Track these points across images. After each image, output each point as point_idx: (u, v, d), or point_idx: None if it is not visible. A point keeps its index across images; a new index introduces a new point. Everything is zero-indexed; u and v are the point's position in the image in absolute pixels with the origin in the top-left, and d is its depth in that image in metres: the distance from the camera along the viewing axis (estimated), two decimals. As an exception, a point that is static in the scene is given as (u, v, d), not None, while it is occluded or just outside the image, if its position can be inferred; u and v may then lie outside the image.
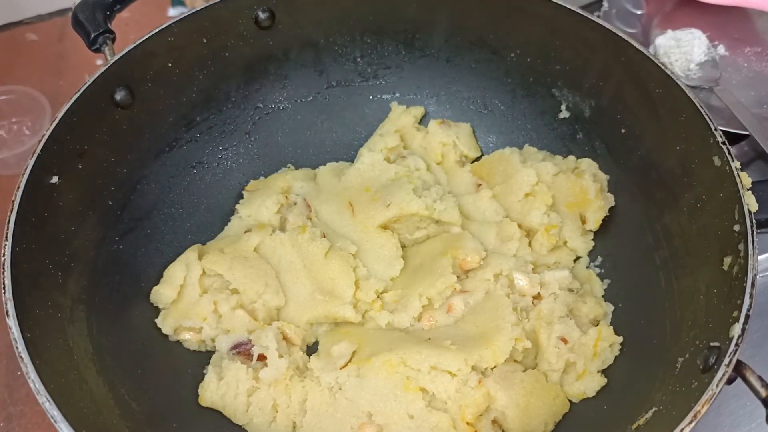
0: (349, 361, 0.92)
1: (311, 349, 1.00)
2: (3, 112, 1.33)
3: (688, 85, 0.91)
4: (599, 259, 1.06)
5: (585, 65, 1.05)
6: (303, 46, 1.14)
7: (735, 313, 0.75)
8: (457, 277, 0.99)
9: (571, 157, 1.10)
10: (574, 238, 1.05)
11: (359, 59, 1.18)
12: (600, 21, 1.00)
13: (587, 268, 1.05)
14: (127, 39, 1.00)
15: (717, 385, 0.71)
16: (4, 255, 0.80)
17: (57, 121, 0.90)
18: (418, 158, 1.13)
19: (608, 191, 1.06)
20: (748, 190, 0.81)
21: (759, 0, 1.33)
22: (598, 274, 1.04)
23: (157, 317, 0.99)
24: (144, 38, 0.99)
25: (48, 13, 1.50)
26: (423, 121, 1.22)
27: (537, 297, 0.98)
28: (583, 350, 0.93)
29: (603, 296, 1.02)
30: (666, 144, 0.95)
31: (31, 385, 0.73)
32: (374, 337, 0.96)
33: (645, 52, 0.96)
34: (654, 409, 0.79)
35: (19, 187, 0.84)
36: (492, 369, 0.91)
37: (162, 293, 0.99)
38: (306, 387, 0.92)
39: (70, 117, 0.91)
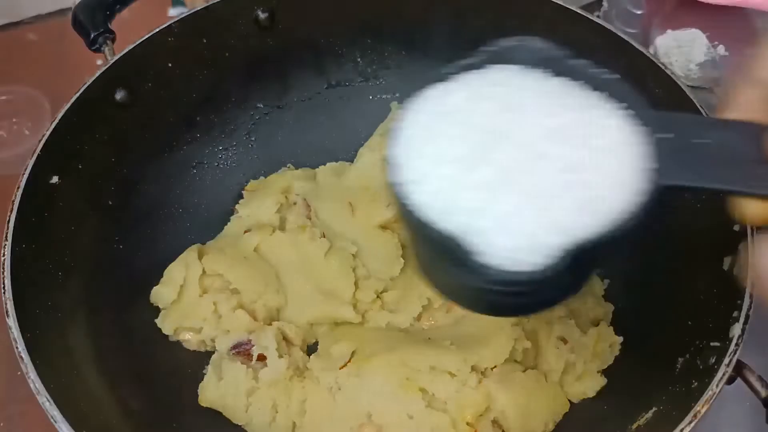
0: (349, 361, 0.92)
1: (311, 349, 1.00)
2: (3, 112, 1.33)
3: (688, 85, 0.91)
4: (599, 258, 1.05)
5: (585, 65, 1.05)
6: (303, 46, 1.14)
7: (735, 313, 0.75)
8: (457, 276, 0.99)
9: (572, 157, 1.09)
10: (574, 238, 1.05)
11: (359, 59, 1.18)
12: (600, 21, 1.00)
13: (587, 267, 1.05)
14: (127, 39, 0.99)
15: (717, 385, 0.71)
16: (3, 255, 0.79)
17: (57, 121, 0.90)
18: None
19: (608, 191, 1.05)
20: (748, 189, 0.81)
21: (759, 0, 1.33)
22: (598, 274, 1.04)
23: (157, 317, 0.99)
24: (144, 38, 0.99)
25: (48, 13, 1.49)
26: (423, 120, 1.21)
27: (537, 297, 0.98)
28: (583, 350, 0.93)
29: (603, 296, 1.02)
30: (666, 144, 0.95)
31: (31, 385, 0.73)
32: (374, 337, 0.95)
33: (645, 52, 0.95)
34: (654, 409, 0.79)
35: (19, 187, 0.84)
36: (492, 369, 0.91)
37: (162, 293, 0.99)
38: (306, 387, 0.92)
39: (70, 117, 0.91)
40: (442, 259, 0.53)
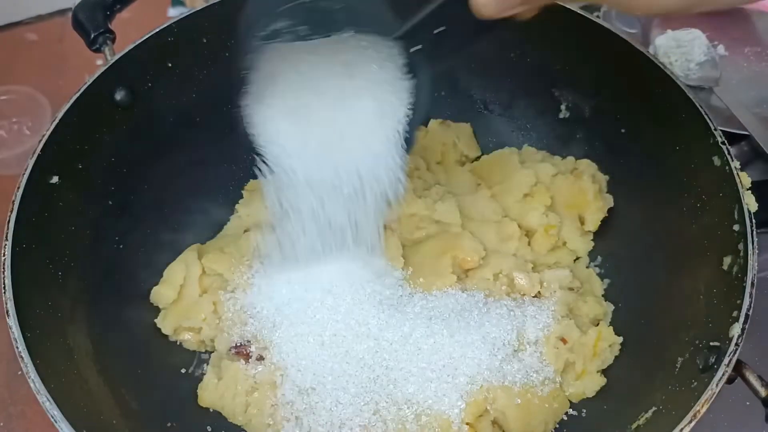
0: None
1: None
2: (3, 113, 1.33)
3: (688, 85, 0.91)
4: (599, 258, 1.05)
5: (585, 65, 1.05)
6: (303, 46, 1.14)
7: (735, 313, 0.75)
8: (457, 276, 0.99)
9: (570, 158, 1.10)
10: (574, 239, 1.05)
11: (359, 56, 1.18)
12: (600, 21, 1.00)
13: (587, 267, 1.05)
14: (127, 39, 0.99)
15: (717, 385, 0.71)
16: (4, 255, 0.80)
17: (57, 121, 0.90)
18: (418, 158, 1.13)
19: (607, 192, 1.06)
20: (747, 189, 0.82)
21: (759, -1, 1.33)
22: (598, 274, 1.04)
23: (157, 317, 0.99)
24: (144, 38, 0.99)
25: (48, 13, 1.49)
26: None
27: (537, 296, 0.98)
28: (583, 350, 0.93)
29: (603, 296, 1.02)
30: (665, 144, 0.95)
31: (32, 384, 0.73)
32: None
33: (645, 52, 0.95)
34: (654, 408, 0.79)
35: (19, 187, 0.84)
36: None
37: (162, 293, 0.99)
38: (306, 387, 0.91)
39: (70, 117, 0.91)
40: None
